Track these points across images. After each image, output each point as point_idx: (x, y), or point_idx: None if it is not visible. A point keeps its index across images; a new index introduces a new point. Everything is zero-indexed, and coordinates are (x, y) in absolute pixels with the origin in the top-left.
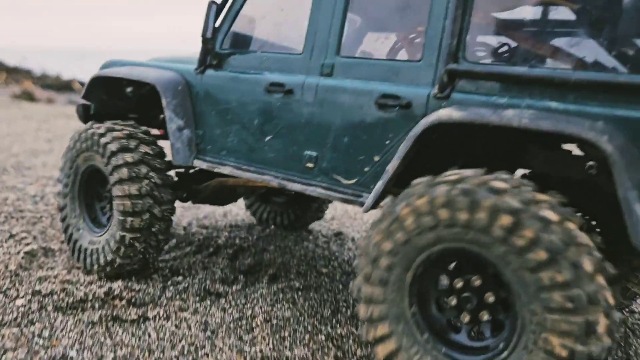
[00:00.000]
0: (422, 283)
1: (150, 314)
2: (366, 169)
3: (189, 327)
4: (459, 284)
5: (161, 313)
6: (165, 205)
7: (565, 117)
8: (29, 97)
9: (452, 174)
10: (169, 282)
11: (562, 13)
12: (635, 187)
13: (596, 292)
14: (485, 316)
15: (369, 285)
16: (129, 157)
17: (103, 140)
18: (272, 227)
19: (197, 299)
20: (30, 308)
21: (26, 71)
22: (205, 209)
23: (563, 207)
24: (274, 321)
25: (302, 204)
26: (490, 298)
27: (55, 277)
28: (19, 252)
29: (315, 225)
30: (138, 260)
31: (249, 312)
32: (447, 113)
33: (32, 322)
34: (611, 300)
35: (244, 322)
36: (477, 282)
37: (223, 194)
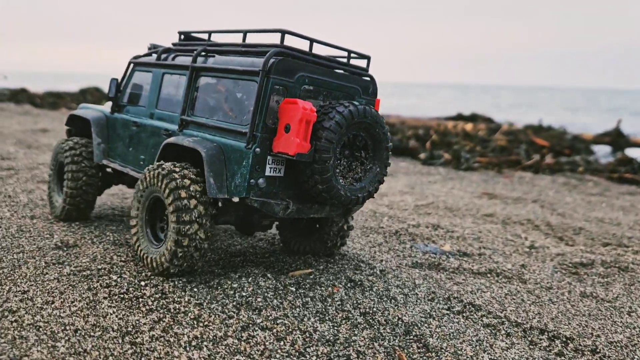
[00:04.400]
0: (152, 210)
1: None
2: None
3: None
4: (163, 215)
5: None
6: (93, 187)
7: (200, 141)
8: None
9: (163, 163)
10: None
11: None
12: (211, 172)
13: (194, 216)
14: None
15: (134, 210)
16: (74, 166)
17: (66, 152)
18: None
19: None
20: None
21: None
22: None
23: (190, 177)
24: None
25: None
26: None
27: None
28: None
29: None
30: (80, 206)
31: None
32: (172, 139)
33: None
34: (206, 222)
35: None
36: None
37: (133, 180)
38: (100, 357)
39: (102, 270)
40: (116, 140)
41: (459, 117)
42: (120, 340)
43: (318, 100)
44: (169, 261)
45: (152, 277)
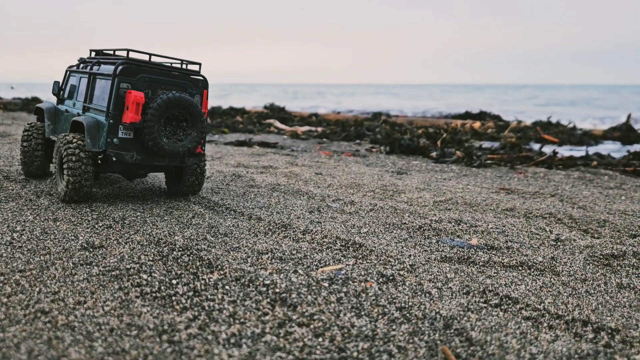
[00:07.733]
0: (62, 162)
1: None
2: None
3: None
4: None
5: None
6: (42, 151)
7: (89, 118)
8: None
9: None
10: None
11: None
12: (89, 135)
13: (78, 164)
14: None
15: (54, 161)
16: (34, 138)
17: (25, 131)
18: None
19: None
20: None
21: None
22: None
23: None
24: None
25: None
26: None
27: None
28: None
29: None
30: (31, 167)
31: None
32: (75, 117)
33: None
34: (86, 165)
35: None
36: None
37: None
38: (139, 357)
39: (132, 270)
40: (58, 122)
41: (467, 115)
42: (157, 339)
43: (157, 91)
44: (66, 188)
45: (183, 275)
